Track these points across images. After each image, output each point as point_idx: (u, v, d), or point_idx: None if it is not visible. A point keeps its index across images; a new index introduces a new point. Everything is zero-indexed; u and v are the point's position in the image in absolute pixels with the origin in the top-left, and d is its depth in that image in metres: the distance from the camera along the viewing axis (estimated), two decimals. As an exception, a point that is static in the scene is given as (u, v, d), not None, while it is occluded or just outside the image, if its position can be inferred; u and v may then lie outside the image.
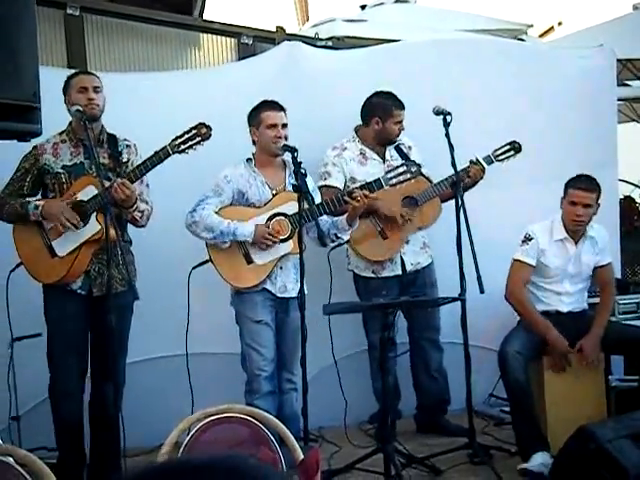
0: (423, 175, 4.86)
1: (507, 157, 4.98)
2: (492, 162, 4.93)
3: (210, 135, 4.12)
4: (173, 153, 4.08)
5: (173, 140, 4.08)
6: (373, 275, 5.02)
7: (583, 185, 4.60)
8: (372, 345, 4.91)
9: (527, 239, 4.72)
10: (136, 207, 4.17)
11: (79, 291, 4.23)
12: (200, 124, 4.11)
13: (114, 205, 4.08)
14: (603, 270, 4.81)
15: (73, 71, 4.42)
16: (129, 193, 4.04)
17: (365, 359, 5.07)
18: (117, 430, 3.95)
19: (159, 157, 4.07)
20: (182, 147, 4.09)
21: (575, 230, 4.69)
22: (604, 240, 4.80)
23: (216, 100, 4.93)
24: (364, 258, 5.00)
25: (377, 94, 5.04)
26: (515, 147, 4.99)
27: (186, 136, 4.09)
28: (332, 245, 4.69)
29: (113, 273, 4.19)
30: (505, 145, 4.98)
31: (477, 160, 4.89)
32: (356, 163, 5.00)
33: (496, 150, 4.96)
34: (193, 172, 4.88)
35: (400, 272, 5.03)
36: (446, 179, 4.85)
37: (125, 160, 4.30)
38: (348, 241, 4.86)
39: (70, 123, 4.27)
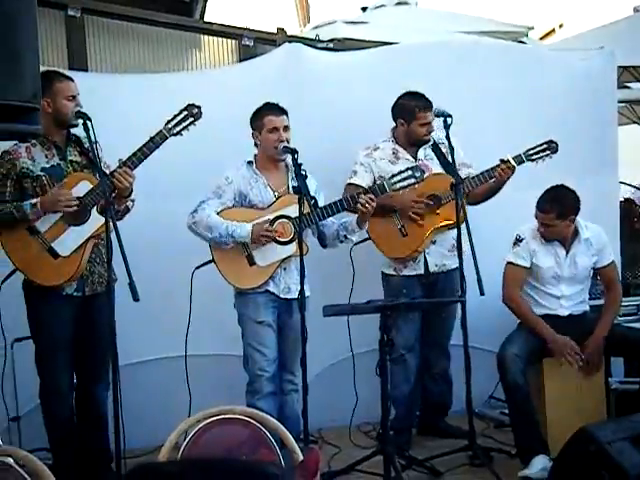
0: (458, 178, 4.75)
1: (541, 157, 4.79)
2: (523, 162, 4.77)
3: (201, 114, 4.16)
4: (170, 136, 4.10)
5: (166, 124, 4.12)
6: (394, 273, 4.99)
7: (541, 205, 4.63)
8: (393, 347, 4.81)
9: (518, 240, 4.75)
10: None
11: (75, 294, 4.21)
12: (190, 105, 4.16)
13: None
14: (606, 270, 4.82)
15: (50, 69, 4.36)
16: (132, 180, 4.07)
17: (366, 360, 5.03)
18: (107, 431, 4.03)
19: (156, 142, 4.09)
20: (177, 129, 4.12)
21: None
22: (601, 240, 4.79)
23: (217, 101, 4.92)
24: (386, 255, 4.98)
25: (404, 95, 4.97)
26: (552, 147, 4.80)
27: (178, 118, 4.13)
28: (339, 245, 4.69)
29: (101, 271, 4.21)
30: (541, 144, 4.80)
31: (507, 159, 4.74)
32: (386, 162, 4.95)
33: (529, 149, 4.79)
34: (195, 173, 4.91)
35: (422, 272, 4.96)
36: (473, 177, 4.83)
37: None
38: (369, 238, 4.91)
39: None
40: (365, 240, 4.94)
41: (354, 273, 4.83)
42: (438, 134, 4.94)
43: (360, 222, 4.54)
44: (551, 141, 4.80)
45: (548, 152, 4.80)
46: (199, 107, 4.15)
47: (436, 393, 5.21)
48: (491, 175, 4.79)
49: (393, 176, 4.51)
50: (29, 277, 4.17)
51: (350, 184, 4.92)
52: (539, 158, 4.79)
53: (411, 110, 4.92)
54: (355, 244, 4.85)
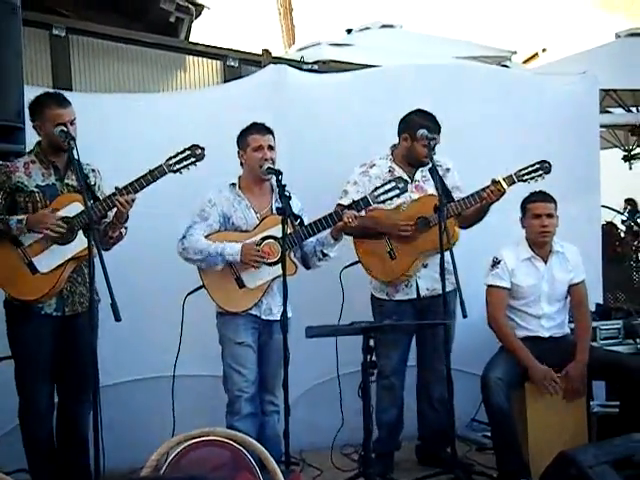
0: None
1: (533, 177, 4.66)
2: (514, 182, 4.64)
3: (204, 156, 4.17)
4: (169, 172, 4.12)
5: (168, 160, 4.13)
6: (386, 297, 4.92)
7: (541, 197, 4.73)
8: (381, 372, 4.69)
9: (495, 263, 4.79)
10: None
11: (55, 313, 4.19)
12: (194, 145, 4.17)
13: (99, 221, 4.14)
14: (577, 288, 4.84)
15: (44, 90, 4.35)
16: (129, 208, 4.10)
17: (348, 382, 5.01)
18: (87, 452, 4.01)
19: (154, 175, 4.11)
20: (177, 167, 4.14)
21: (541, 244, 4.77)
22: (575, 257, 4.85)
23: (201, 122, 4.94)
24: (375, 278, 4.92)
25: (416, 112, 4.87)
26: (545, 167, 4.65)
27: (180, 156, 4.14)
28: (319, 264, 4.66)
29: (82, 291, 4.20)
30: (534, 164, 4.67)
31: (498, 180, 4.62)
32: (381, 181, 4.74)
33: (521, 170, 4.66)
34: (180, 191, 4.88)
35: (415, 296, 4.88)
36: (462, 200, 4.72)
37: (93, 184, 4.30)
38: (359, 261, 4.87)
39: (38, 144, 4.22)
40: (355, 263, 4.91)
41: (344, 296, 4.77)
42: (438, 156, 4.83)
43: (335, 234, 4.52)
44: (544, 161, 4.69)
45: (541, 172, 4.67)
46: (203, 148, 4.16)
47: (435, 421, 5.03)
48: (481, 196, 4.67)
49: (376, 189, 4.49)
50: (3, 288, 4.17)
51: (340, 205, 4.77)
52: (531, 178, 4.68)
53: (419, 128, 4.80)
54: (345, 267, 4.83)
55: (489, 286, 4.77)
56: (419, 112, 4.89)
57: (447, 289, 4.59)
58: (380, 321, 4.76)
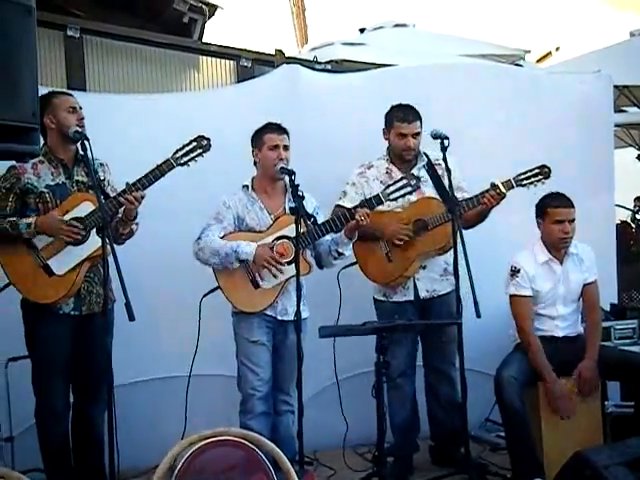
0: (450, 195, 4.59)
1: (532, 182, 4.60)
2: (512, 187, 4.58)
3: (210, 146, 4.18)
4: (176, 165, 4.12)
5: (174, 153, 4.14)
6: (384, 298, 4.91)
7: (564, 202, 4.67)
8: (388, 374, 4.39)
9: (515, 272, 4.73)
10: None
11: (72, 313, 4.21)
12: (200, 136, 4.17)
13: (111, 218, 4.15)
14: (589, 288, 4.81)
15: (50, 89, 4.39)
16: (138, 204, 4.11)
17: (363, 382, 5.00)
18: (103, 451, 4.03)
19: (162, 170, 4.11)
20: (184, 159, 4.14)
21: (560, 249, 4.74)
22: (590, 258, 4.82)
23: (214, 122, 4.93)
24: (372, 280, 4.90)
25: (391, 108, 4.87)
26: (544, 172, 4.59)
27: (187, 148, 4.15)
28: (334, 262, 4.66)
29: (100, 291, 4.21)
30: (533, 169, 4.61)
31: (497, 185, 4.58)
32: (379, 183, 4.79)
33: (520, 174, 4.60)
34: (192, 192, 4.92)
35: (412, 298, 4.85)
36: (460, 202, 4.66)
37: (102, 179, 4.32)
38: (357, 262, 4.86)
39: (45, 143, 4.23)
40: (353, 264, 4.88)
41: (341, 297, 4.74)
42: (435, 154, 4.79)
43: (349, 233, 4.51)
44: (544, 166, 4.63)
45: (540, 177, 4.61)
46: (208, 139, 4.17)
47: (446, 422, 5.01)
48: (480, 201, 4.63)
49: (388, 186, 4.47)
50: (21, 292, 4.17)
51: (338, 206, 4.80)
52: (530, 183, 4.61)
53: (390, 119, 4.83)
54: (343, 268, 4.82)
55: (512, 296, 4.73)
56: (394, 106, 4.87)
57: (446, 290, 4.66)
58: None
